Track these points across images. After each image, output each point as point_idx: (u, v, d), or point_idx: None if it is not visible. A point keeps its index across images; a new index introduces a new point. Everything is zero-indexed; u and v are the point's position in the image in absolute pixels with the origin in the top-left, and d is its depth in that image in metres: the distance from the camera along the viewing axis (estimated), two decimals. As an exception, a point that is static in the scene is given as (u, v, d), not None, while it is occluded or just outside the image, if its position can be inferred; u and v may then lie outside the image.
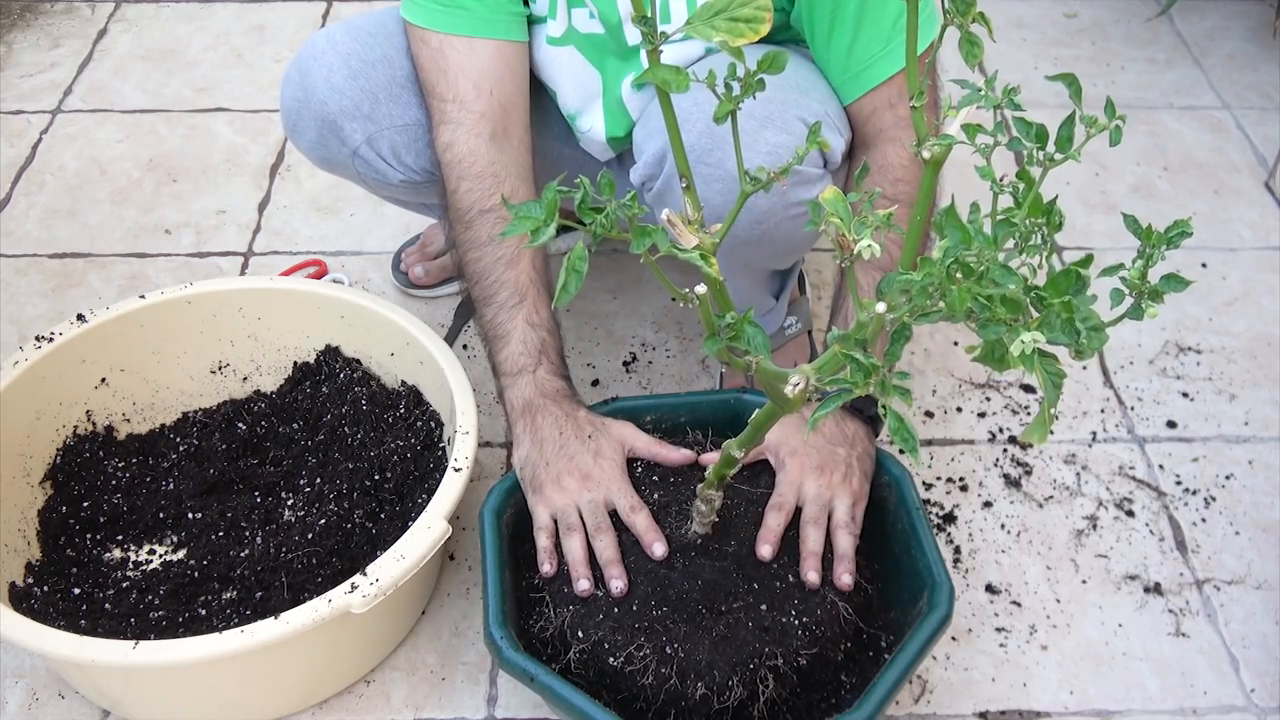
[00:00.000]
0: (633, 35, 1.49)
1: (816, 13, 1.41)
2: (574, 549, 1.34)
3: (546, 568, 1.35)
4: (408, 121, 1.58)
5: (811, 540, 1.34)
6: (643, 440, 1.43)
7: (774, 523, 1.35)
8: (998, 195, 0.79)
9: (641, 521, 1.35)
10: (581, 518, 1.36)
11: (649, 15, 0.84)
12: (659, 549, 1.32)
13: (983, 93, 0.79)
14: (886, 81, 1.42)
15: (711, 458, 1.39)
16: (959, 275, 0.70)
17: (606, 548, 1.33)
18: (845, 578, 1.32)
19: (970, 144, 0.80)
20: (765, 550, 1.33)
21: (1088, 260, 0.70)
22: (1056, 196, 0.79)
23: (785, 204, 1.41)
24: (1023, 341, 0.66)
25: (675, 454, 1.42)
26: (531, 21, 1.53)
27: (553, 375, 1.43)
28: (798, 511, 1.37)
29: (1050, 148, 0.78)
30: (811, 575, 1.32)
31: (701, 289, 0.96)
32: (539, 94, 1.59)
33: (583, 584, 1.32)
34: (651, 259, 0.89)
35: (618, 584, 1.31)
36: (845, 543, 1.35)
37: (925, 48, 1.40)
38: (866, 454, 1.42)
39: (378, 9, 1.61)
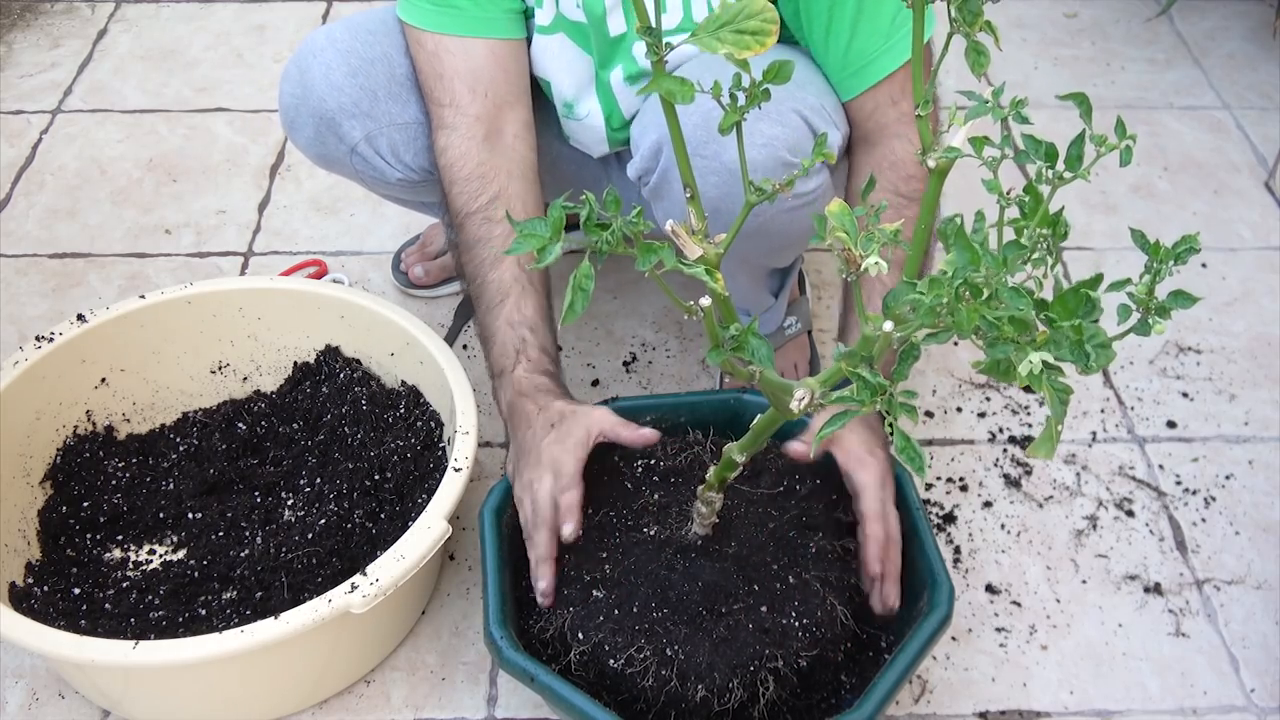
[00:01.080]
0: (615, 25, 1.49)
1: (813, 10, 1.40)
2: (534, 541, 1.34)
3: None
4: (406, 120, 1.58)
5: (896, 560, 1.34)
6: (609, 422, 1.39)
7: (882, 533, 1.33)
8: (1004, 209, 0.79)
9: (566, 500, 1.32)
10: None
11: (654, 27, 0.84)
12: (567, 529, 1.31)
13: (989, 104, 0.79)
14: (888, 78, 1.42)
15: (797, 449, 1.38)
16: (967, 295, 0.69)
17: (538, 545, 1.33)
18: (893, 599, 1.34)
19: (977, 157, 0.80)
20: (877, 568, 1.32)
21: (1097, 280, 0.70)
22: (1063, 207, 0.79)
23: (781, 196, 1.40)
24: (1030, 362, 0.66)
25: (636, 434, 1.39)
26: (525, 15, 1.53)
27: (530, 372, 1.43)
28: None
29: (1060, 166, 0.77)
30: (893, 600, 1.33)
31: (706, 301, 0.96)
32: (535, 92, 1.59)
33: (542, 584, 1.33)
34: (657, 274, 0.89)
35: (540, 584, 1.31)
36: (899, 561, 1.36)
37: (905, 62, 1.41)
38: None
39: (377, 8, 1.61)
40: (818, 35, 1.43)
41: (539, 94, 1.61)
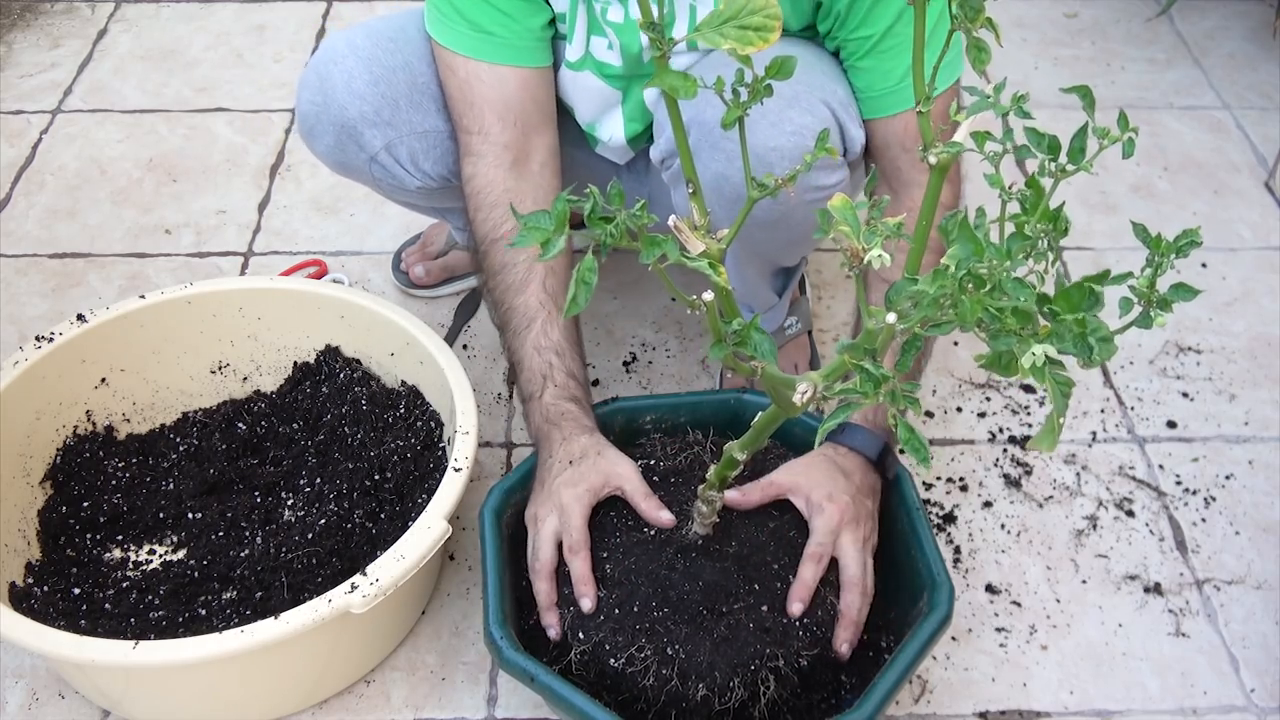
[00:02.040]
0: (648, 55, 1.49)
1: (858, 35, 1.40)
2: (536, 589, 1.34)
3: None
4: (427, 128, 1.57)
5: (857, 608, 1.31)
6: (633, 484, 1.36)
7: (810, 576, 1.30)
8: (1006, 203, 0.79)
9: (577, 567, 1.31)
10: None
11: (656, 21, 0.84)
12: (585, 604, 1.30)
13: (991, 99, 0.79)
14: (896, 116, 1.42)
15: (734, 498, 1.37)
16: (970, 286, 0.69)
17: (538, 594, 1.33)
18: (846, 646, 1.30)
19: (979, 151, 0.80)
20: (797, 608, 1.28)
21: (1104, 275, 0.70)
22: (1064, 203, 0.79)
23: (804, 188, 1.40)
24: (1033, 354, 0.66)
25: (655, 514, 1.34)
26: (555, 37, 1.52)
27: (557, 398, 1.41)
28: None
29: (1062, 158, 0.77)
30: (845, 648, 1.30)
31: (709, 296, 0.96)
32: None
33: (550, 632, 1.33)
34: (660, 268, 0.89)
35: (550, 632, 1.32)
36: (865, 612, 1.32)
37: (951, 84, 1.42)
38: (877, 508, 1.39)
39: (395, 14, 1.60)
40: (851, 52, 1.42)
41: (560, 104, 1.61)
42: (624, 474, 1.36)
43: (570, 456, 1.37)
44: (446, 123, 1.56)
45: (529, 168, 1.51)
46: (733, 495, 1.35)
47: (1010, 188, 0.78)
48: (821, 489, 1.33)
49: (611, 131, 1.59)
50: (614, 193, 0.87)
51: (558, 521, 1.33)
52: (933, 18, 1.29)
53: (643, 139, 1.59)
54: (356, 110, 1.53)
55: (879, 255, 0.77)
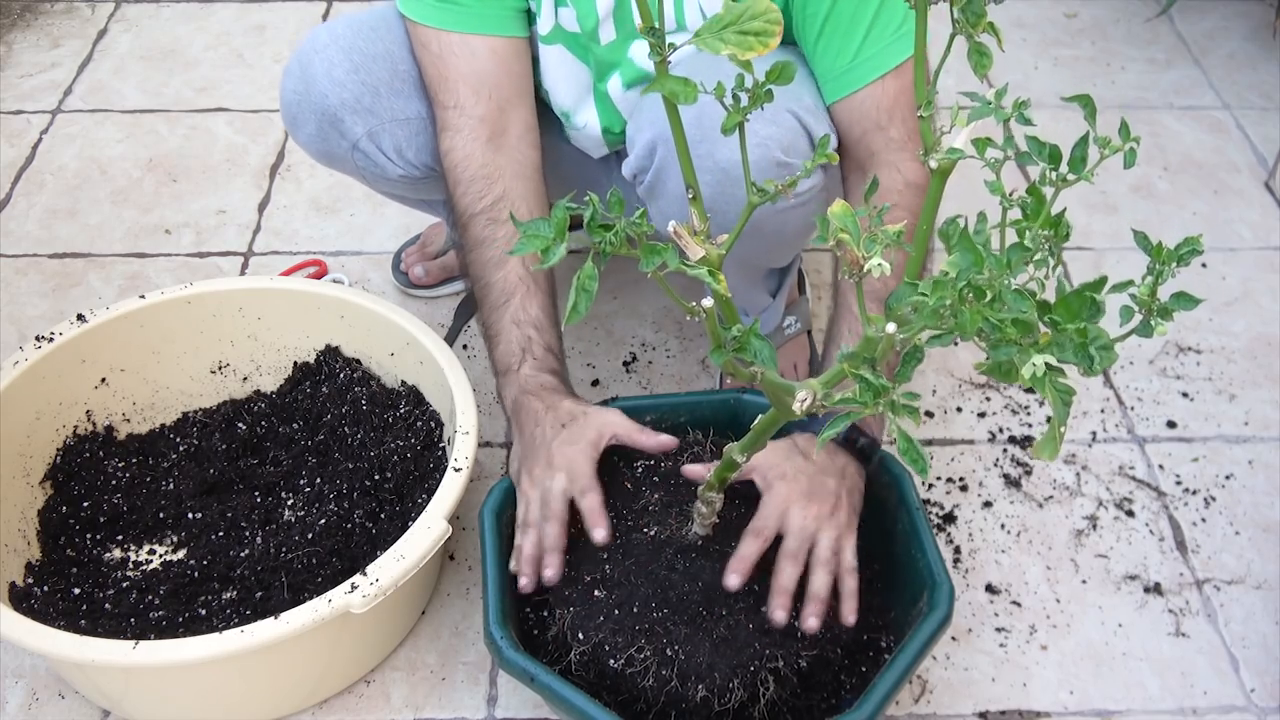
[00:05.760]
0: (606, 35, 1.50)
1: (804, 10, 1.40)
2: (523, 545, 1.34)
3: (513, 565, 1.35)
4: (409, 115, 1.58)
5: (786, 575, 1.28)
6: (623, 426, 1.39)
7: (749, 550, 1.29)
8: (1007, 210, 0.79)
9: (589, 503, 1.33)
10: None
11: (657, 26, 0.84)
12: (599, 534, 1.31)
13: (992, 106, 0.79)
14: (856, 94, 1.41)
15: (694, 470, 1.38)
16: (970, 297, 0.69)
17: (548, 535, 1.33)
18: (811, 620, 1.27)
19: (980, 158, 0.80)
20: (733, 580, 1.28)
21: (1101, 282, 0.70)
22: (1065, 209, 0.79)
23: None
24: (1034, 364, 0.66)
25: (653, 440, 1.39)
26: (529, 16, 1.53)
27: (536, 370, 1.43)
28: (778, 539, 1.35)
29: (1063, 168, 0.77)
30: (778, 614, 1.27)
31: (708, 302, 0.96)
32: (537, 92, 1.59)
33: (521, 580, 1.32)
34: (660, 275, 0.89)
35: (548, 572, 1.31)
36: (821, 582, 1.29)
37: (904, 60, 1.40)
38: (856, 489, 1.37)
39: (379, 5, 1.61)
40: (806, 35, 1.42)
41: (539, 93, 1.61)
42: (613, 421, 1.39)
43: (561, 421, 1.38)
44: (430, 112, 1.57)
45: (507, 141, 1.52)
46: (695, 469, 1.38)
47: (1011, 194, 0.78)
48: (776, 469, 1.34)
49: (586, 119, 1.59)
50: (613, 200, 0.87)
51: (565, 479, 1.34)
52: None
53: (619, 138, 1.60)
54: (337, 98, 1.54)
55: (879, 264, 0.77)
